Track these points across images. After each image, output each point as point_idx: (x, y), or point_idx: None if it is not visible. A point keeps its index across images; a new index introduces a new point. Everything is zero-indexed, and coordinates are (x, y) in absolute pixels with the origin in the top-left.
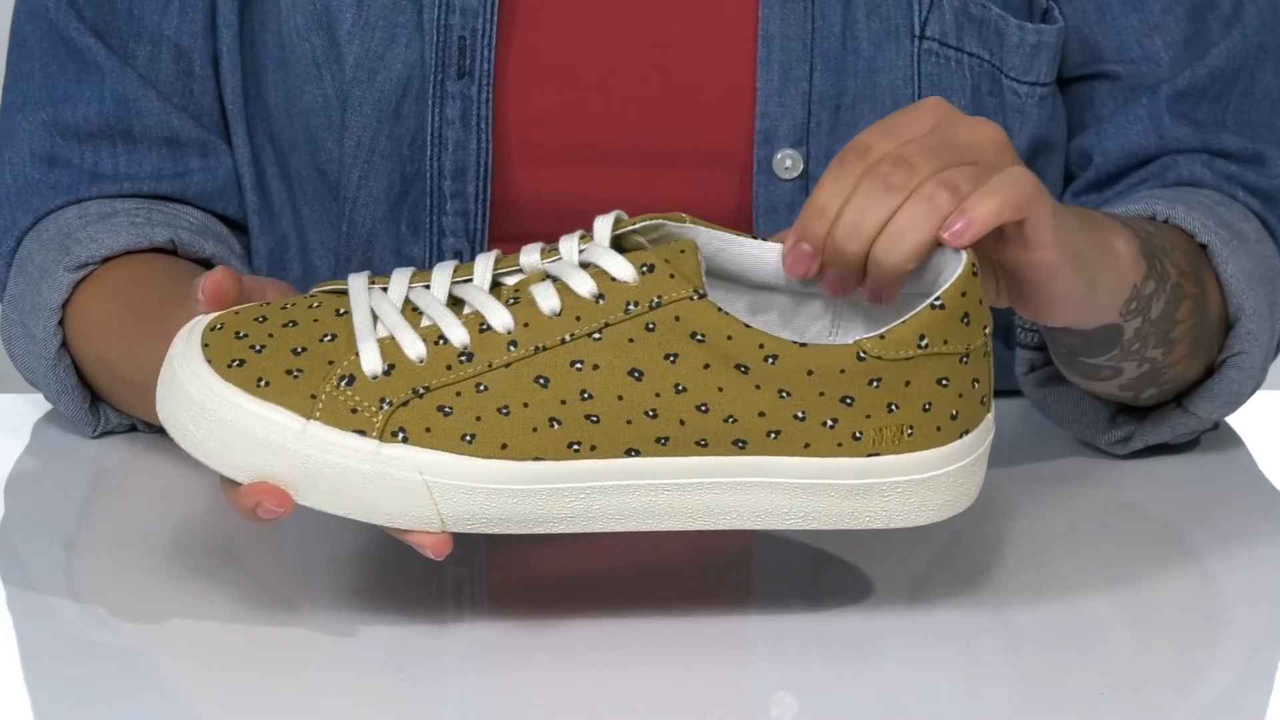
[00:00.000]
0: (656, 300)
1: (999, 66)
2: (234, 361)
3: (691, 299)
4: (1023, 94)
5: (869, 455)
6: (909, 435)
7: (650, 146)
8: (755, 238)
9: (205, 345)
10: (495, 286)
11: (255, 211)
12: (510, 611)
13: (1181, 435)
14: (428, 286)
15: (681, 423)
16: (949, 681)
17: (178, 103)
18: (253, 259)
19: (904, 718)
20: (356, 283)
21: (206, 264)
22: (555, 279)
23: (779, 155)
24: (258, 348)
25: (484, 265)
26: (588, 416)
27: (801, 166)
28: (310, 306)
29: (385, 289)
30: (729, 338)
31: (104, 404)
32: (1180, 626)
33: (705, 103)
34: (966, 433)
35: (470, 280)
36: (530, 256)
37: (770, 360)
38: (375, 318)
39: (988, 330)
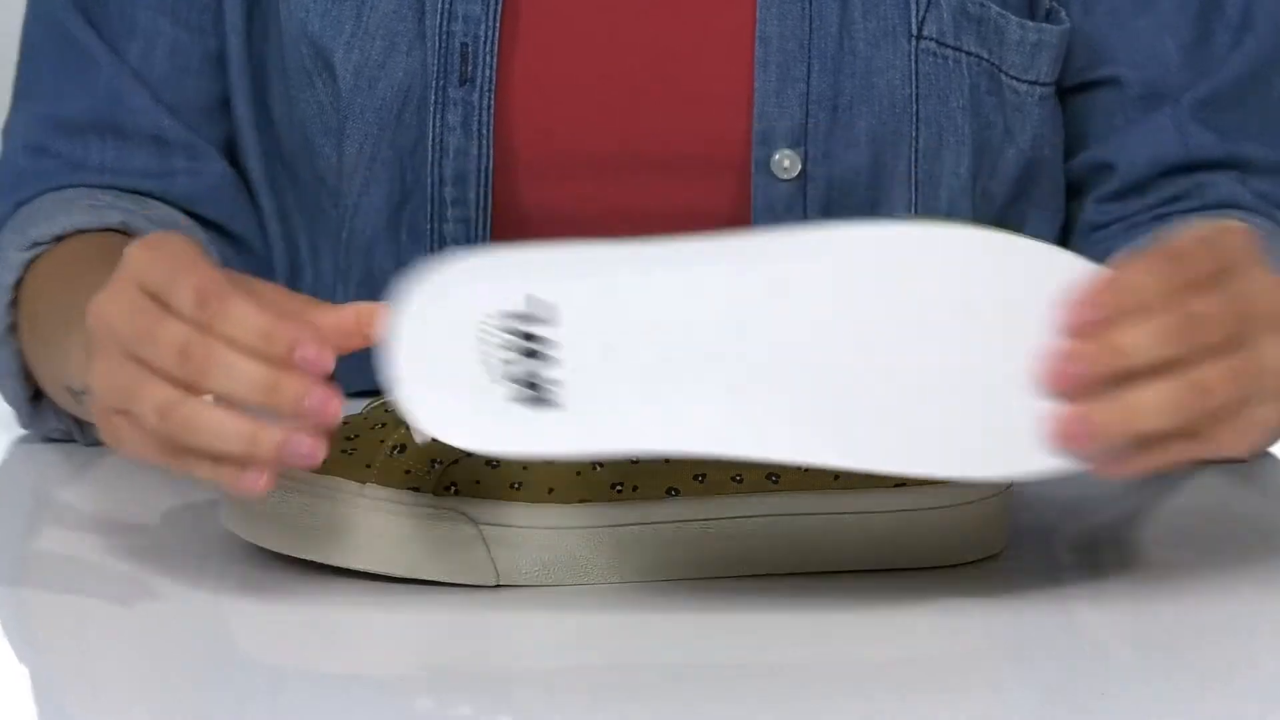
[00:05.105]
0: None
1: (998, 65)
2: None
3: None
4: (1022, 92)
5: (896, 486)
6: None
7: (649, 150)
8: None
9: None
10: None
11: (271, 218)
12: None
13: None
14: None
15: (717, 459)
16: (948, 681)
17: (168, 100)
18: (274, 265)
19: (900, 712)
20: None
21: None
22: None
23: (777, 156)
24: None
25: None
26: (628, 458)
27: (800, 167)
28: (362, 416)
29: None
30: None
31: (47, 401)
32: (1182, 630)
33: (704, 105)
34: None
35: None
36: None
37: None
38: None
39: None
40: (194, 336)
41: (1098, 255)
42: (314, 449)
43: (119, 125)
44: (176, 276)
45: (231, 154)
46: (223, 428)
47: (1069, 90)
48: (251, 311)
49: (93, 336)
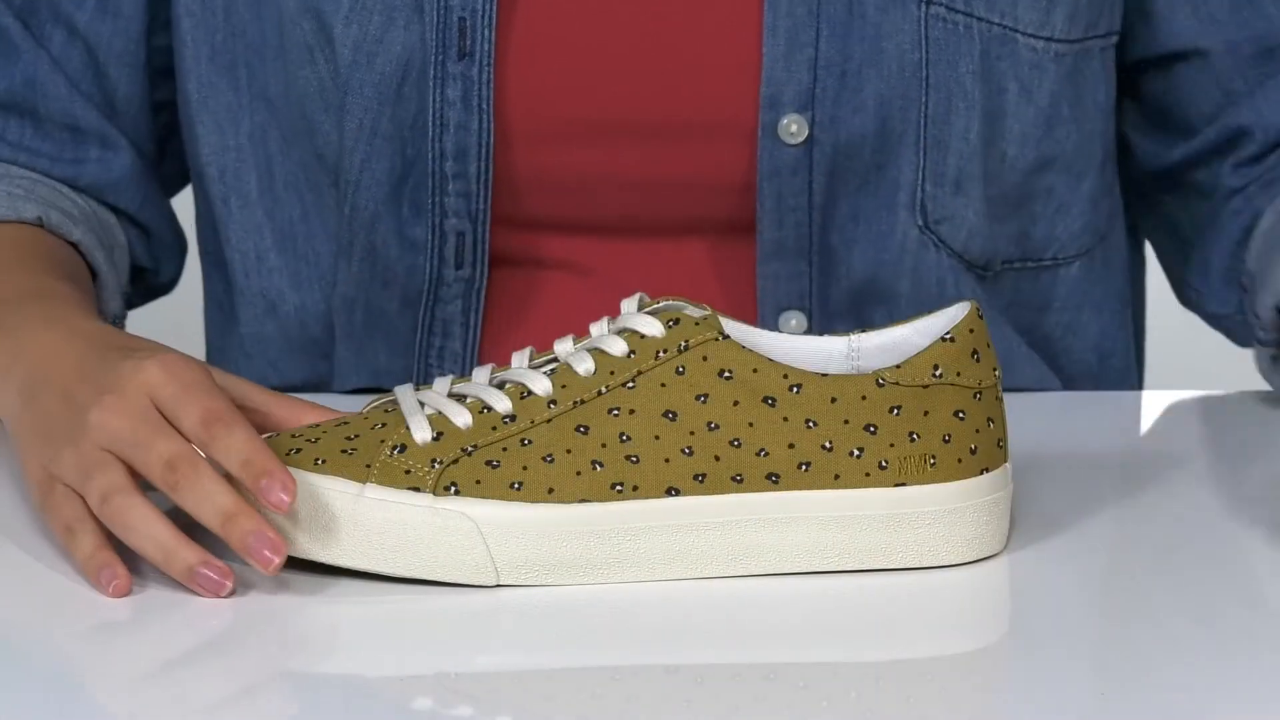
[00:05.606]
0: (684, 344)
1: (1012, 26)
2: (291, 450)
3: (717, 339)
4: (1039, 50)
5: (896, 485)
6: (932, 465)
7: (654, 116)
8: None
9: None
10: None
11: (258, 199)
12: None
13: None
14: (467, 383)
15: (716, 459)
16: (948, 681)
17: (85, 91)
18: (256, 248)
19: (900, 712)
20: (402, 387)
21: (75, 248)
22: (591, 349)
23: (785, 120)
24: (313, 440)
25: (520, 357)
26: (628, 457)
27: (807, 132)
28: (362, 416)
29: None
30: (755, 370)
31: None
32: (1181, 630)
33: (710, 70)
34: (987, 470)
35: (508, 368)
36: (564, 344)
37: (795, 390)
38: (422, 405)
39: (997, 373)
40: (184, 453)
41: (1241, 223)
42: (220, 583)
43: (34, 109)
44: (186, 398)
45: (162, 143)
46: (148, 531)
47: (1168, 56)
48: (246, 439)
49: (88, 433)
